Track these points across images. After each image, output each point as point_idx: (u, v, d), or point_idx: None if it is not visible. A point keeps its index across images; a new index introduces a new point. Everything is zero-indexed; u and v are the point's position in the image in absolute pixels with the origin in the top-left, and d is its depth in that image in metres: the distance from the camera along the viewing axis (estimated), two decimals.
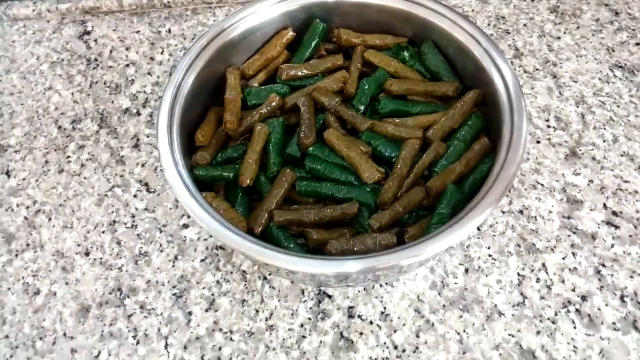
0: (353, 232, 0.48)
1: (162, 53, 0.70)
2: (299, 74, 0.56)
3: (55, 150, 0.63)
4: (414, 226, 0.47)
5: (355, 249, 0.45)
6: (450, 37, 0.54)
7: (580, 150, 0.59)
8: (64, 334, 0.51)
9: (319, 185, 0.49)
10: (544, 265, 0.52)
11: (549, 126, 0.60)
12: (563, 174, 0.57)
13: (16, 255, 0.56)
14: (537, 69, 0.65)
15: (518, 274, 0.51)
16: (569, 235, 0.53)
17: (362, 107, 0.54)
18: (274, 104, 0.54)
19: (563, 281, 0.51)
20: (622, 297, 0.49)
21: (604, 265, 0.51)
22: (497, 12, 0.71)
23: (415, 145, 0.50)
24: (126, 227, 0.57)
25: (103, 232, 0.57)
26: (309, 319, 0.50)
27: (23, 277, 0.55)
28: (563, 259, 0.52)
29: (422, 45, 0.57)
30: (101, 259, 0.55)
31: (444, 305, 0.50)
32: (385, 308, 0.50)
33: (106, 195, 0.59)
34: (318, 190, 0.49)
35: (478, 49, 0.52)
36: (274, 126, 0.53)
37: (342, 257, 0.41)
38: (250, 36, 0.56)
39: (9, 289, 0.54)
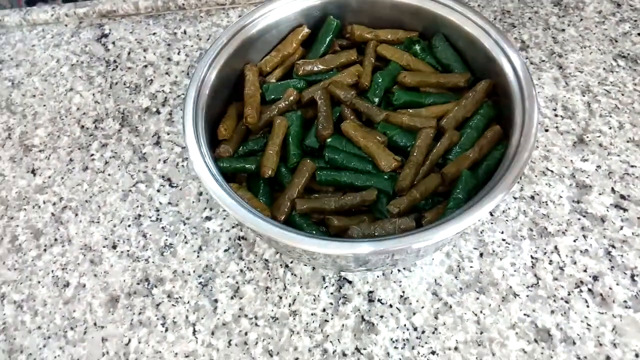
0: (372, 218, 0.50)
1: (178, 54, 0.72)
2: (315, 69, 0.58)
3: (79, 149, 0.65)
4: (431, 211, 0.49)
5: (376, 233, 0.47)
6: (460, 29, 0.56)
7: (587, 137, 0.60)
8: (95, 324, 0.53)
9: (338, 174, 0.51)
10: (556, 247, 0.54)
11: (556, 115, 0.62)
12: (572, 161, 0.59)
13: (45, 250, 0.58)
14: (543, 61, 0.67)
15: (531, 256, 0.53)
16: (579, 219, 0.55)
17: (376, 100, 0.56)
18: (291, 98, 0.56)
19: (575, 263, 0.53)
20: (632, 277, 0.51)
21: (613, 247, 0.53)
22: (502, 6, 0.73)
23: (430, 134, 0.52)
24: (151, 221, 0.59)
25: (129, 225, 0.59)
26: (331, 303, 0.52)
27: (52, 271, 0.57)
28: (574, 241, 0.54)
29: (432, 38, 0.59)
30: (128, 251, 0.57)
31: (460, 288, 0.52)
32: (404, 292, 0.52)
33: (130, 190, 0.61)
34: (337, 179, 0.51)
35: (488, 40, 0.54)
36: (293, 119, 0.55)
37: (358, 240, 0.43)
38: (266, 34, 0.59)
39: (39, 282, 0.56)
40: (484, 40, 0.54)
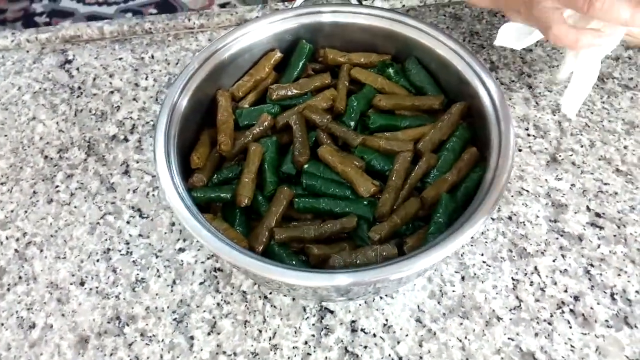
0: (353, 245, 0.49)
1: (146, 79, 0.71)
2: (289, 93, 0.57)
3: (43, 180, 0.62)
4: (413, 237, 0.48)
5: (358, 262, 0.46)
6: (432, 52, 0.56)
7: (560, 156, 0.61)
8: None
9: (317, 201, 0.50)
10: (536, 268, 0.53)
11: (528, 134, 0.63)
12: (546, 180, 0.59)
13: (8, 289, 0.55)
14: (513, 81, 0.68)
15: (512, 278, 0.53)
16: (557, 238, 0.55)
17: (352, 123, 0.55)
18: (266, 123, 0.55)
19: (555, 283, 0.53)
20: (612, 295, 0.51)
21: (592, 265, 0.53)
22: (470, 28, 0.74)
23: (408, 158, 0.52)
24: (121, 255, 0.56)
25: (97, 260, 0.56)
26: (313, 335, 0.51)
27: (17, 312, 0.54)
28: (553, 261, 0.54)
29: (405, 61, 0.59)
30: (97, 288, 0.54)
31: (444, 314, 0.51)
32: (387, 320, 0.51)
33: (98, 223, 0.59)
34: (316, 206, 0.50)
35: (460, 62, 0.54)
36: (268, 145, 0.53)
37: (338, 271, 0.42)
38: (238, 58, 0.57)
39: (3, 324, 0.53)
40: (456, 62, 0.54)
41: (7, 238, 0.58)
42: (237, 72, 0.59)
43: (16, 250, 0.57)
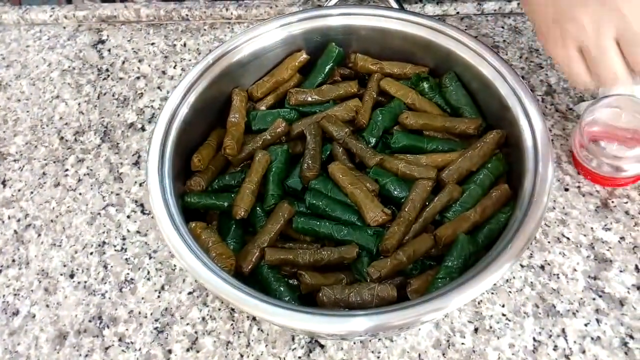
0: (351, 277, 0.44)
1: (174, 67, 0.68)
2: (309, 99, 0.52)
3: (54, 162, 0.61)
4: (418, 278, 0.42)
5: (350, 299, 0.41)
6: (474, 70, 0.50)
7: (612, 202, 0.53)
8: None
9: (318, 223, 0.45)
10: (563, 330, 0.46)
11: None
12: (592, 228, 0.51)
13: (0, 271, 0.54)
14: (570, 109, 0.60)
15: (534, 338, 0.46)
16: (594, 299, 0.48)
17: (373, 140, 0.50)
18: (279, 130, 0.50)
19: (584, 351, 0.45)
20: None
21: (632, 337, 0.46)
22: (530, 44, 0.67)
23: (427, 187, 0.46)
24: (115, 250, 0.54)
25: (91, 253, 0.54)
26: None
27: (4, 296, 0.52)
28: (585, 325, 0.46)
29: (443, 77, 0.52)
30: (85, 282, 0.52)
31: None
32: None
33: (99, 214, 0.56)
34: (316, 229, 0.45)
35: (503, 86, 0.48)
36: (277, 154, 0.49)
37: (341, 313, 0.38)
38: (261, 57, 0.53)
39: None
40: (499, 84, 0.48)
41: (9, 218, 0.57)
42: (259, 71, 0.55)
43: (15, 232, 0.56)
